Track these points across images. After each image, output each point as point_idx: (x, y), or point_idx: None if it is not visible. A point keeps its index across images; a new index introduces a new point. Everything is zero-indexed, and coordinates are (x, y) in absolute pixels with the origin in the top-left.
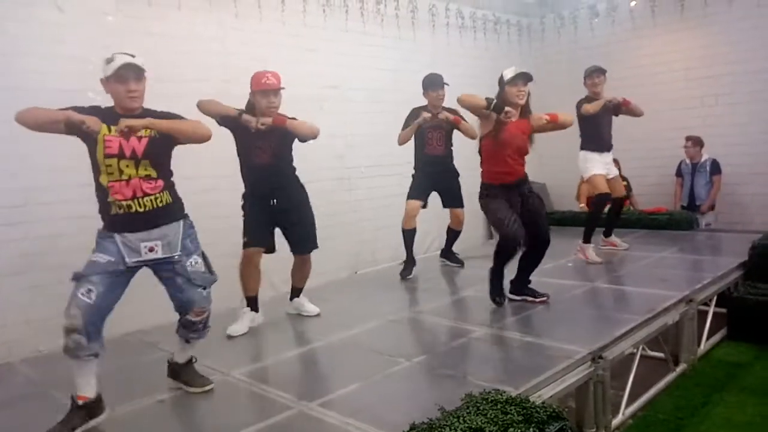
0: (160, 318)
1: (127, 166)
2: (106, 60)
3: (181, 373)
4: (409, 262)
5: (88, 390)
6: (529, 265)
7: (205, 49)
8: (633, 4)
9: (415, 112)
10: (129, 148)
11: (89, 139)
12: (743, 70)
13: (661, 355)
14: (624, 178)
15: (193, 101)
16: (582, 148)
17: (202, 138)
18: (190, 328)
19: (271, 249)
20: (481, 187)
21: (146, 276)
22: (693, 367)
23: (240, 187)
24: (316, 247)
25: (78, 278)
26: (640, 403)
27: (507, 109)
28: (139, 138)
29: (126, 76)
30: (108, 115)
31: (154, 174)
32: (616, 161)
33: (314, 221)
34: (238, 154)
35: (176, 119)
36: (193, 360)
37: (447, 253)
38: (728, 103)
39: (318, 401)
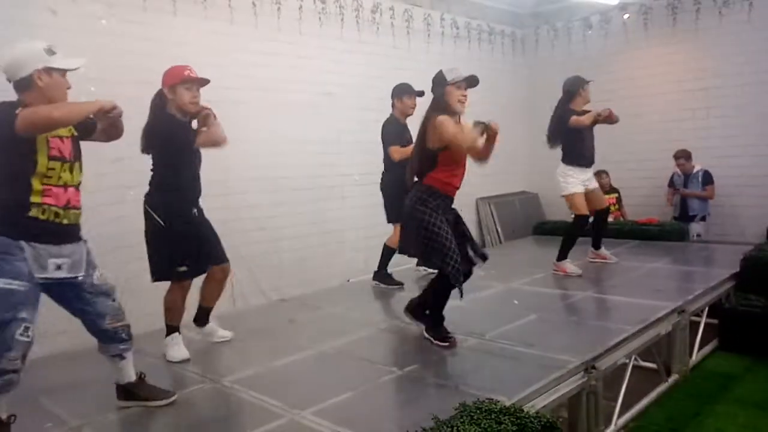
0: (145, 325)
1: (65, 170)
2: (47, 50)
3: (137, 392)
4: (389, 274)
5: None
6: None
7: (201, 54)
8: (626, 17)
9: (394, 126)
10: (67, 151)
11: (18, 139)
12: (734, 83)
13: (653, 365)
14: (615, 189)
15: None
16: (563, 161)
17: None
18: (115, 337)
19: None
20: (421, 191)
21: (136, 281)
22: (685, 377)
23: None
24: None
25: (5, 323)
26: (632, 414)
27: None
28: (67, 138)
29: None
30: None
31: (79, 180)
32: (606, 173)
33: None
34: (175, 164)
35: None
36: (143, 376)
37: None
38: (719, 115)
39: (310, 410)
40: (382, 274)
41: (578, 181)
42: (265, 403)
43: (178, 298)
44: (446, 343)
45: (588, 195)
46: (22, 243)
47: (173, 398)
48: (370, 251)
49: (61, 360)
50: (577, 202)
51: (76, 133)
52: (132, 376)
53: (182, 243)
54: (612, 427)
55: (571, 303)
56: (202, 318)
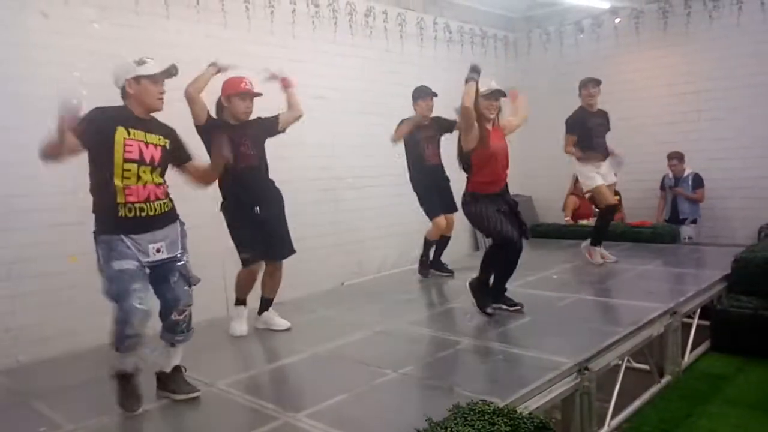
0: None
1: (144, 172)
2: (137, 62)
3: (168, 382)
4: (427, 264)
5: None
6: (506, 271)
7: (193, 58)
8: (617, 21)
9: (405, 122)
10: (149, 155)
11: (102, 140)
12: (724, 86)
13: (646, 367)
14: (616, 192)
15: (181, 110)
16: (579, 161)
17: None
18: (175, 329)
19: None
20: (466, 196)
21: None
22: (677, 378)
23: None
24: (294, 251)
25: (122, 295)
26: (626, 415)
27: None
28: (155, 146)
29: (160, 78)
30: (123, 117)
31: (160, 181)
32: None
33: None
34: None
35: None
36: (183, 369)
37: (436, 263)
38: (710, 118)
39: (304, 412)
40: (435, 263)
41: (597, 174)
42: (260, 406)
43: (243, 277)
44: (487, 313)
45: None
46: (122, 236)
47: (195, 394)
48: (364, 254)
49: (55, 364)
50: (603, 192)
51: (168, 146)
52: (169, 367)
53: (244, 235)
54: (605, 428)
55: (565, 305)
56: (261, 307)
